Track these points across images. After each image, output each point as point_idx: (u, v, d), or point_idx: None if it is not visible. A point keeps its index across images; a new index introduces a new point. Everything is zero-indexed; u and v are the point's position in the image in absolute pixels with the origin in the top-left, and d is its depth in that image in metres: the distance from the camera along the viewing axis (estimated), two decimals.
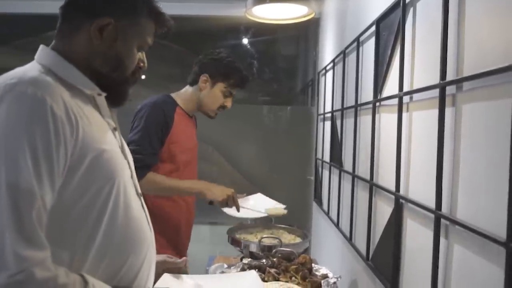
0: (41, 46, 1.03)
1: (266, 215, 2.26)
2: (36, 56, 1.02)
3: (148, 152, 1.94)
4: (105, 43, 1.02)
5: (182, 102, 2.15)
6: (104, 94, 1.06)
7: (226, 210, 2.18)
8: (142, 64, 1.11)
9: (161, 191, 1.98)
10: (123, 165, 1.06)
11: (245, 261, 1.72)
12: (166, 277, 1.37)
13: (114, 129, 1.09)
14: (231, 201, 2.07)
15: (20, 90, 0.86)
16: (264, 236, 2.02)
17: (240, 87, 2.19)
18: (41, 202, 0.85)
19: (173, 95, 2.17)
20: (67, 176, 0.91)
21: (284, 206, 2.32)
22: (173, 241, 2.06)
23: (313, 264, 1.71)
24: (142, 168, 1.79)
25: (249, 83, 2.22)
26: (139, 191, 1.13)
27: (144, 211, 1.13)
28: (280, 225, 2.30)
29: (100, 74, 1.04)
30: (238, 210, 2.10)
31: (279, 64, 4.26)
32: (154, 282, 1.23)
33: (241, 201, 2.20)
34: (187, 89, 2.19)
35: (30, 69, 0.94)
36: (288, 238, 2.20)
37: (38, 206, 0.84)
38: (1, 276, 0.79)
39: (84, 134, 0.93)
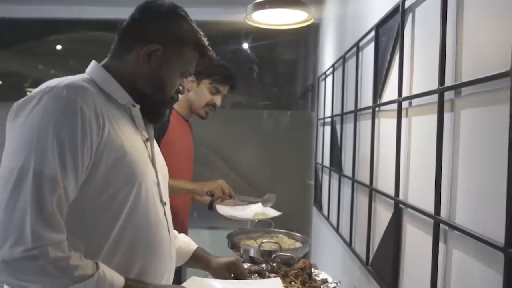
0: (93, 62, 1.15)
1: (253, 218, 2.28)
2: (87, 69, 1.15)
3: None
4: (151, 66, 1.13)
5: (177, 106, 2.18)
6: (138, 106, 1.14)
7: (220, 209, 2.22)
8: (181, 88, 1.21)
9: None
10: (149, 172, 1.12)
11: (245, 266, 1.72)
12: (193, 279, 1.39)
13: (147, 140, 1.17)
14: (225, 186, 2.12)
15: (57, 92, 0.98)
16: (264, 241, 2.02)
17: (226, 83, 2.20)
18: (63, 190, 0.94)
19: None
20: (90, 173, 1.00)
21: (276, 213, 2.32)
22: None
23: (312, 269, 1.71)
24: None
25: (235, 80, 2.23)
26: (164, 200, 1.18)
27: (167, 219, 1.18)
28: (279, 230, 2.30)
29: (142, 94, 1.14)
30: (232, 197, 2.15)
31: (279, 69, 4.26)
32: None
33: (239, 207, 2.24)
34: None
35: (74, 77, 1.06)
36: (288, 243, 2.20)
37: (60, 193, 0.93)
38: (17, 249, 0.88)
39: (110, 135, 1.02)
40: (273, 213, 2.33)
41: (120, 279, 0.99)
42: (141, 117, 1.16)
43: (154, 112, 1.18)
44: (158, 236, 1.12)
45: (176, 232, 1.41)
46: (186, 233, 2.25)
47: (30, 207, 0.90)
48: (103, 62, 1.16)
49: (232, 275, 1.46)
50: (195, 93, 2.17)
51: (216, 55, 2.13)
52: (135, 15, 1.15)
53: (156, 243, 1.11)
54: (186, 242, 1.45)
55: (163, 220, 1.15)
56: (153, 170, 1.15)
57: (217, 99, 2.19)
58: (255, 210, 2.34)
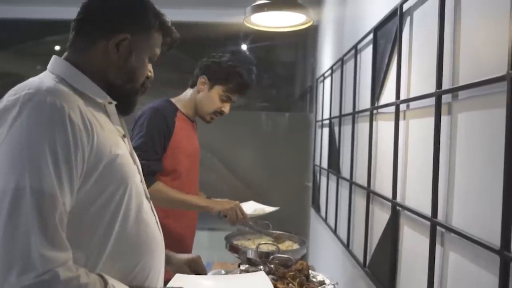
0: (54, 57, 1.07)
1: (252, 214, 2.26)
2: (49, 66, 1.06)
3: (153, 159, 1.91)
4: (120, 57, 1.06)
5: (183, 106, 2.12)
6: (114, 103, 1.11)
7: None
8: (149, 74, 1.17)
9: (168, 202, 1.94)
10: (134, 170, 1.10)
11: (243, 267, 1.72)
12: (178, 277, 1.40)
13: (123, 136, 1.13)
14: (239, 211, 2.06)
15: (39, 99, 0.90)
16: (262, 242, 2.02)
17: (239, 93, 2.14)
18: (62, 206, 0.89)
19: (173, 99, 2.15)
20: (83, 181, 0.95)
21: (273, 209, 2.32)
22: (177, 237, 2.05)
23: (310, 271, 1.71)
24: (147, 175, 1.75)
25: (248, 91, 2.18)
26: (148, 195, 1.16)
27: (154, 214, 1.16)
28: (277, 232, 2.30)
29: (114, 86, 1.08)
30: (246, 222, 2.10)
31: (278, 71, 4.27)
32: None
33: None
34: (187, 92, 2.17)
35: (45, 79, 0.98)
36: (286, 244, 2.20)
37: (60, 209, 0.88)
38: (28, 276, 0.82)
39: (99, 140, 0.97)
40: (269, 208, 2.32)
41: None
42: (116, 113, 1.12)
43: (126, 103, 1.13)
44: (151, 233, 1.11)
45: None
46: (194, 234, 2.24)
47: (33, 229, 0.83)
48: (64, 56, 1.08)
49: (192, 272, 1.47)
50: (205, 97, 2.09)
51: (234, 62, 2.10)
52: (95, 4, 1.08)
53: (152, 241, 1.11)
54: None
55: (152, 217, 1.14)
56: (135, 167, 1.12)
57: (226, 107, 2.12)
58: (254, 207, 2.33)
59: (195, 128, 2.23)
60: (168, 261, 1.43)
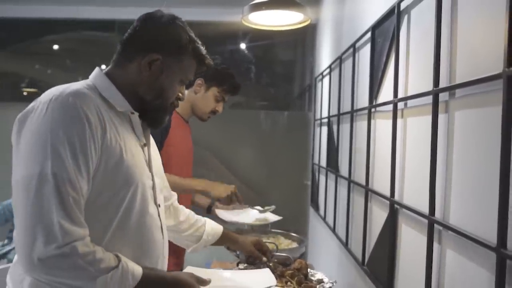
0: (97, 69, 1.21)
1: (254, 223, 2.28)
2: (90, 76, 1.20)
3: None
4: (152, 75, 1.18)
5: (178, 107, 2.16)
6: (136, 114, 1.20)
7: (220, 214, 2.23)
8: (180, 95, 1.27)
9: None
10: (145, 176, 1.18)
11: (241, 266, 1.72)
12: (189, 269, 1.49)
13: (144, 145, 1.23)
14: (234, 196, 2.11)
15: (63, 100, 1.03)
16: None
17: (232, 94, 2.25)
18: (80, 190, 1.01)
19: None
20: (94, 173, 1.05)
21: (276, 218, 2.32)
22: (172, 248, 2.06)
23: (308, 269, 1.72)
24: None
25: (239, 90, 2.28)
26: (158, 202, 1.24)
27: (160, 220, 1.23)
28: (276, 230, 2.31)
29: (143, 100, 1.20)
30: (241, 203, 2.15)
31: (277, 70, 4.27)
32: None
33: (239, 211, 2.26)
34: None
35: (77, 84, 1.12)
36: (284, 243, 2.20)
37: (77, 193, 1.01)
38: (51, 246, 0.95)
39: (110, 140, 1.08)
40: (273, 218, 2.34)
41: (138, 268, 1.07)
42: (139, 123, 1.22)
43: (154, 118, 1.24)
44: (151, 236, 1.18)
45: (203, 218, 1.62)
46: None
47: (55, 207, 0.97)
48: (105, 69, 1.21)
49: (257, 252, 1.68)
50: (202, 98, 2.18)
51: (224, 64, 2.16)
52: (137, 26, 1.20)
53: (149, 243, 1.17)
54: (214, 224, 1.65)
55: (157, 222, 1.21)
56: (149, 174, 1.21)
57: (220, 107, 2.22)
58: (255, 216, 2.34)
59: (189, 128, 2.27)
60: (234, 241, 1.69)
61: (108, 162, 1.07)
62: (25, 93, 4.18)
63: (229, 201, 2.12)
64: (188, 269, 1.48)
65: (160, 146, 2.01)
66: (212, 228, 1.62)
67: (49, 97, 1.05)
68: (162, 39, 1.19)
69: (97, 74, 1.19)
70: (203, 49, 1.25)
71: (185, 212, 1.58)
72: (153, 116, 1.24)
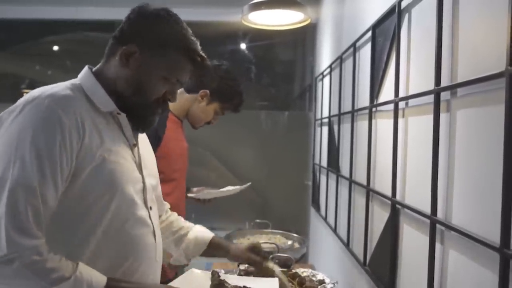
0: (85, 67, 1.16)
1: (227, 189, 2.31)
2: (79, 75, 1.15)
3: None
4: (130, 68, 1.11)
5: (174, 107, 2.10)
6: (123, 114, 1.13)
7: (196, 195, 2.24)
8: (170, 97, 1.17)
9: None
10: (134, 178, 1.13)
11: (242, 267, 1.71)
12: (191, 271, 1.40)
13: (134, 145, 1.17)
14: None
15: (38, 103, 1.00)
16: (261, 241, 2.02)
17: (234, 112, 2.18)
18: (40, 198, 0.95)
19: None
20: (72, 180, 1.01)
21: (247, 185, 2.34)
22: None
23: (310, 270, 1.71)
24: None
25: (241, 107, 2.22)
26: (149, 204, 1.18)
27: (152, 223, 1.17)
28: (277, 231, 2.30)
29: (122, 96, 1.13)
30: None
31: (277, 70, 4.26)
32: None
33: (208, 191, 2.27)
34: (182, 93, 2.14)
35: (60, 85, 1.07)
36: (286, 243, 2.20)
37: (37, 201, 0.95)
38: None
39: (90, 143, 1.03)
40: (244, 186, 2.36)
41: (101, 279, 0.99)
42: (128, 124, 1.15)
43: (136, 117, 1.16)
44: (141, 240, 1.12)
45: (191, 224, 1.48)
46: None
47: (5, 215, 0.92)
48: (96, 66, 1.17)
49: (256, 258, 1.48)
50: (202, 110, 2.10)
51: (236, 81, 2.11)
52: (125, 19, 1.15)
53: (139, 247, 1.12)
54: (202, 232, 1.48)
55: (148, 225, 1.15)
56: (139, 176, 1.15)
57: (216, 120, 2.18)
58: (227, 188, 2.35)
59: (181, 128, 2.19)
60: (226, 251, 1.48)
61: (88, 167, 1.02)
62: (25, 94, 4.17)
63: None
64: (192, 272, 1.40)
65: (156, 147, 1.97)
66: (196, 236, 1.44)
67: (28, 98, 1.01)
68: (142, 31, 1.11)
69: (84, 72, 1.14)
70: (197, 48, 1.15)
71: (171, 219, 1.46)
72: (135, 114, 1.15)
